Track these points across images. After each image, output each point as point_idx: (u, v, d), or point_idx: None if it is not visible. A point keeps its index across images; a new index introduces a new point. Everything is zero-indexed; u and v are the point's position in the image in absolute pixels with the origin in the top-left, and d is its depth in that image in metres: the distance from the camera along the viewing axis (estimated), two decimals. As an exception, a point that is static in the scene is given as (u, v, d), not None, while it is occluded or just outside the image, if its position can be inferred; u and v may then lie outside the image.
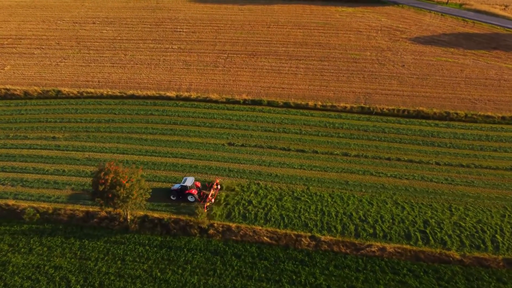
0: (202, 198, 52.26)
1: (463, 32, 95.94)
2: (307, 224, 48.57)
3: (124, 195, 45.49)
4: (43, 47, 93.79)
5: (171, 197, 52.29)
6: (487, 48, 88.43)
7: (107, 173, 45.55)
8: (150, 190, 49.10)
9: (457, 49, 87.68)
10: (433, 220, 48.68)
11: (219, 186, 53.91)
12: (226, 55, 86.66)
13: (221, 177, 56.03)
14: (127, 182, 45.84)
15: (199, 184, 53.68)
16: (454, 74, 78.43)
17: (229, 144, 62.13)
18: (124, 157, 60.26)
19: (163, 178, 56.01)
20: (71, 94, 75.56)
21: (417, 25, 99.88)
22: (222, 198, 52.49)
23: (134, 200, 46.46)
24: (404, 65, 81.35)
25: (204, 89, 75.63)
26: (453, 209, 50.22)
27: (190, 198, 51.94)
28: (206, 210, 49.99)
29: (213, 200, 51.77)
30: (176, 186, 52.49)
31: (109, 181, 45.18)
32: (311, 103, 70.01)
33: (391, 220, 48.82)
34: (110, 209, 48.34)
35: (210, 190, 52.76)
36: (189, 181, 52.09)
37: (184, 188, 51.59)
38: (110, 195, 45.38)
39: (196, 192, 52.22)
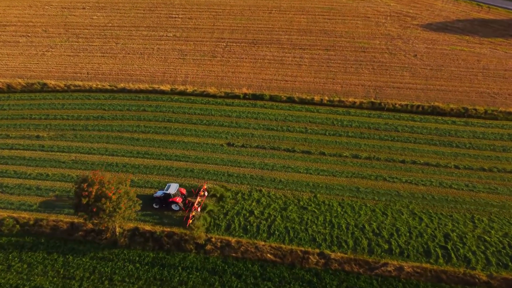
0: (188, 206, 47.39)
1: (478, 18, 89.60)
2: (315, 239, 43.80)
3: (111, 208, 40.59)
4: (29, 34, 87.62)
5: (154, 205, 47.38)
6: (505, 35, 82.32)
7: (90, 184, 40.54)
8: (140, 202, 44.16)
9: (473, 37, 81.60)
10: (455, 233, 43.89)
11: (206, 193, 48.96)
12: (224, 44, 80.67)
13: (220, 182, 51.06)
14: (113, 194, 40.86)
15: (184, 191, 48.77)
16: (470, 64, 72.66)
17: (229, 144, 56.94)
18: (114, 160, 55.18)
19: (155, 184, 51.06)
20: (57, 88, 69.96)
21: (429, 10, 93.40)
22: (210, 206, 47.58)
23: (122, 214, 41.56)
24: (416, 55, 75.52)
25: (201, 81, 70.02)
26: (476, 221, 45.39)
27: (174, 207, 47.14)
28: (191, 221, 45.18)
29: (199, 210, 46.92)
30: (159, 193, 47.58)
31: (93, 193, 40.22)
32: (317, 98, 64.53)
33: (408, 234, 44.03)
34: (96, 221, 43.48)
35: (196, 198, 47.85)
36: (173, 188, 47.14)
37: (167, 196, 46.70)
38: (94, 209, 40.46)
39: (181, 200, 47.35)
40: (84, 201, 40.05)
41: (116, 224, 43.40)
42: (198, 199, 47.64)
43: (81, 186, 40.78)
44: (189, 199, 48.27)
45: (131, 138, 58.82)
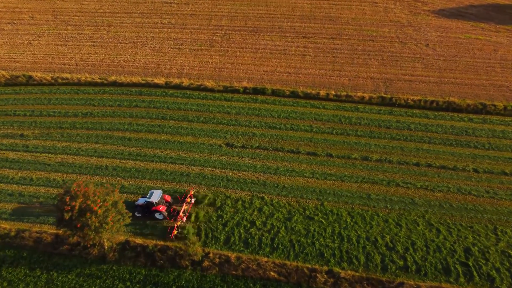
0: (173, 215, 43.39)
1: (493, 3, 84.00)
2: (323, 254, 39.89)
3: (96, 224, 36.55)
4: (15, 21, 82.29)
5: (136, 214, 43.26)
6: (523, 22, 77.09)
7: (73, 197, 36.33)
8: (130, 214, 40.09)
9: (488, 24, 76.29)
10: (476, 248, 39.95)
11: (192, 200, 44.90)
12: (223, 32, 75.44)
13: (218, 188, 46.92)
14: (99, 207, 36.73)
15: (169, 198, 44.71)
16: (486, 55, 67.72)
17: (228, 145, 52.58)
18: (103, 162, 50.93)
19: (148, 190, 46.82)
20: (44, 81, 65.17)
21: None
22: (201, 216, 43.62)
23: (110, 229, 37.49)
24: (428, 44, 70.47)
25: (198, 74, 65.19)
26: (499, 233, 41.41)
27: (158, 216, 43.21)
28: (175, 232, 41.32)
29: (184, 219, 42.94)
30: (141, 200, 43.53)
31: (76, 207, 36.09)
32: (322, 93, 59.85)
33: (424, 248, 40.09)
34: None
35: (182, 205, 43.80)
36: (156, 195, 43.04)
37: (150, 204, 42.65)
38: (78, 225, 36.39)
39: (165, 208, 43.29)
40: (67, 216, 35.96)
41: (104, 238, 39.37)
42: (184, 206, 43.67)
43: (63, 199, 36.59)
44: (174, 206, 44.29)
45: (122, 137, 54.40)
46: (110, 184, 45.83)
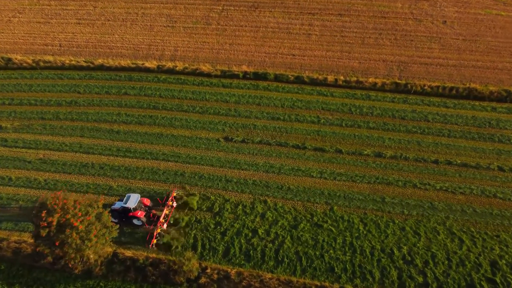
0: (153, 221, 39.11)
1: (515, -26, 76.85)
2: (333, 268, 35.82)
3: (78, 241, 32.17)
4: (-7, -4, 75.35)
5: (112, 220, 38.52)
6: (548, -4, 70.38)
7: (51, 211, 31.78)
8: (117, 227, 35.69)
9: (510, -3, 69.68)
10: (504, 261, 35.85)
11: (174, 204, 40.49)
12: (220, 8, 68.86)
13: (217, 190, 42.40)
14: (81, 222, 32.26)
15: (148, 201, 40.33)
16: (510, 34, 61.64)
17: (226, 139, 47.67)
18: (89, 159, 46.19)
19: (138, 191, 42.36)
20: (24, 64, 59.40)
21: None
22: (186, 221, 39.26)
23: (94, 246, 33.13)
24: (445, 22, 64.22)
25: (193, 56, 59.37)
26: (528, 243, 37.26)
27: (136, 222, 38.94)
28: (155, 241, 37.24)
29: (165, 226, 38.68)
30: (117, 204, 39.07)
31: (54, 222, 31.63)
32: (330, 78, 54.31)
33: (446, 262, 35.99)
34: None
35: (163, 210, 39.47)
36: (133, 200, 38.59)
37: (126, 210, 38.19)
38: (57, 243, 32.03)
39: (144, 214, 38.96)
40: (43, 233, 31.57)
41: (90, 254, 35.12)
42: (165, 211, 39.33)
43: (39, 214, 32.07)
44: (154, 211, 39.95)
45: (110, 130, 49.41)
46: (99, 185, 41.25)
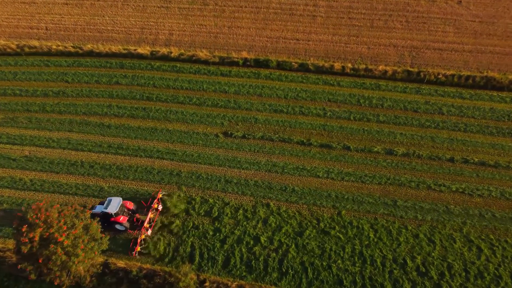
0: (137, 225, 36.35)
1: None
2: (342, 281, 33.22)
3: (63, 258, 29.30)
4: (-25, -28, 70.13)
5: None
6: None
7: (32, 226, 28.80)
8: (107, 238, 32.83)
9: (530, -26, 64.69)
10: (526, 272, 33.27)
11: (160, 207, 37.56)
12: (218, -14, 63.97)
13: (215, 192, 39.39)
14: (66, 236, 29.35)
15: (131, 205, 37.35)
16: (530, 15, 57.35)
17: (225, 134, 44.30)
18: (78, 156, 43.01)
19: (131, 193, 39.44)
20: (8, 50, 55.29)
21: None
22: (175, 226, 36.37)
23: (81, 263, 30.32)
24: (460, 1, 59.64)
25: (190, 41, 55.20)
26: (552, 252, 34.56)
27: (118, 227, 36.15)
28: (139, 248, 34.57)
29: (149, 232, 35.95)
30: (98, 208, 36.05)
31: (36, 238, 28.70)
32: (337, 65, 50.40)
33: (463, 273, 33.36)
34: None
35: (147, 214, 36.60)
36: (114, 205, 35.63)
37: (107, 215, 35.29)
38: (40, 260, 29.21)
39: (127, 218, 36.08)
40: (25, 249, 28.69)
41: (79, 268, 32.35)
42: (150, 215, 36.47)
43: (19, 228, 29.11)
44: (138, 215, 37.10)
45: (100, 124, 45.96)
46: (89, 186, 38.18)
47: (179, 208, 37.50)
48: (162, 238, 35.69)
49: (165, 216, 37.39)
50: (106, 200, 36.43)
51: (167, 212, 37.52)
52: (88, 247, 30.70)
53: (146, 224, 35.87)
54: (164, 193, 38.61)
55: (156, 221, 36.70)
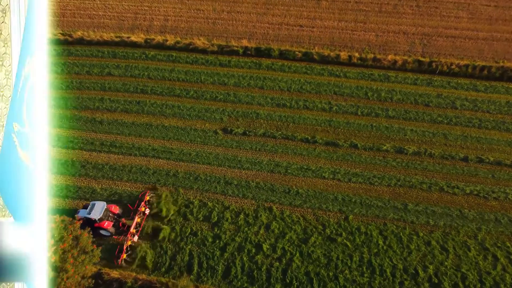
0: (123, 230, 34.28)
1: None
2: (349, 293, 31.32)
3: (51, 275, 27.16)
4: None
5: None
6: None
7: (16, 242, 26.45)
8: (99, 249, 30.68)
9: (548, -47, 60.73)
10: (545, 283, 31.33)
11: (147, 211, 35.34)
12: (216, -33, 60.03)
13: (215, 194, 37.08)
14: (54, 252, 27.15)
15: (117, 209, 35.15)
16: (548, -2, 53.87)
17: (225, 131, 41.70)
18: (68, 154, 40.53)
19: (125, 196, 37.17)
20: (-7, 37, 51.91)
21: None
22: (165, 232, 34.25)
23: (71, 279, 28.25)
24: (474, -17, 56.02)
25: (186, 28, 51.90)
26: None
27: (103, 232, 34.02)
28: (125, 256, 32.50)
29: (136, 238, 33.85)
30: (81, 213, 33.84)
31: (21, 254, 26.33)
32: (343, 55, 47.38)
33: (478, 284, 31.43)
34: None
35: (134, 218, 34.37)
36: (97, 210, 33.38)
37: (91, 221, 33.13)
38: (26, 277, 26.98)
39: (111, 224, 33.96)
40: (9, 266, 26.43)
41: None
42: (137, 219, 34.26)
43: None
44: (124, 220, 34.91)
45: (92, 119, 43.30)
46: (81, 188, 35.86)
47: (168, 210, 35.19)
48: (148, 251, 33.30)
49: (154, 221, 35.14)
50: (89, 204, 34.21)
51: (157, 216, 35.25)
52: (78, 260, 28.61)
53: (132, 230, 33.71)
54: (152, 194, 36.32)
55: (142, 227, 34.47)
